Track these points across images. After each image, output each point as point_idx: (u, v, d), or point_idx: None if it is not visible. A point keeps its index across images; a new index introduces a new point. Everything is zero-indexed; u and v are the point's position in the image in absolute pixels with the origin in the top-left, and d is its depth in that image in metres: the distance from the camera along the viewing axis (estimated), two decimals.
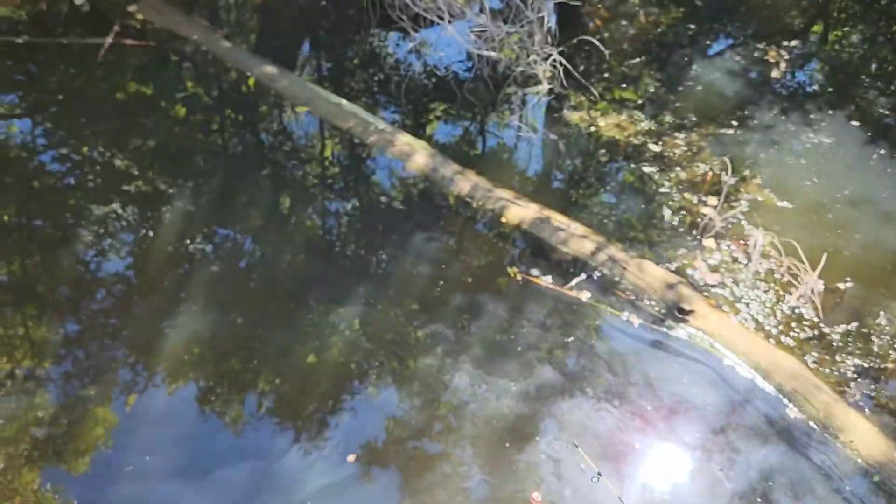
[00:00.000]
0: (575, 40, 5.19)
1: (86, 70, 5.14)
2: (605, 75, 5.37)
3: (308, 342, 3.57)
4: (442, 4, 4.62)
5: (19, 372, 3.44)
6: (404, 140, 4.53)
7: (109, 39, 5.23)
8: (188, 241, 4.06)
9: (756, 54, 5.75)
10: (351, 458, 3.07)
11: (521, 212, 4.12)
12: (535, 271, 3.92)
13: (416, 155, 4.45)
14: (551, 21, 4.85)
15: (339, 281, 3.93)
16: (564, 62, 4.80)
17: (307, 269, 4.02)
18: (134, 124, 4.81)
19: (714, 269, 3.97)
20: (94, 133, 4.71)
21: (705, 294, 3.82)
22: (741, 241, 4.11)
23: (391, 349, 3.58)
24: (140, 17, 5.54)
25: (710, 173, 4.52)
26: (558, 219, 4.11)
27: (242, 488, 2.99)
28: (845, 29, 6.46)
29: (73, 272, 3.91)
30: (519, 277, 3.88)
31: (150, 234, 4.13)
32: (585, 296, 3.80)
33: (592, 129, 4.89)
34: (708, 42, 6.01)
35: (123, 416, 3.24)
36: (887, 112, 5.20)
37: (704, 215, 4.25)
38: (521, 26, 4.67)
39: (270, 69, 5.05)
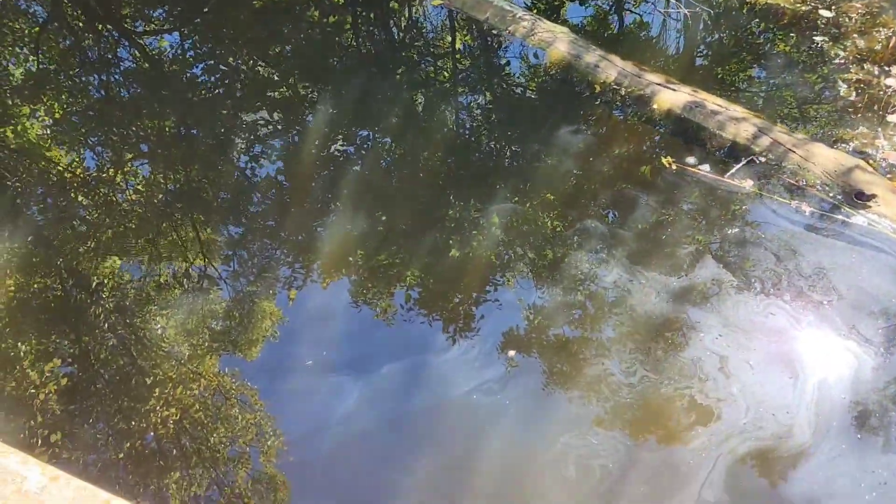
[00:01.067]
0: None
1: None
2: None
3: (453, 239, 3.60)
4: None
5: (193, 271, 3.75)
6: (544, 27, 4.29)
7: None
8: (331, 144, 4.15)
9: None
10: (512, 352, 3.13)
11: (672, 96, 3.85)
12: (690, 160, 3.69)
13: (558, 42, 4.22)
14: None
15: (481, 177, 3.90)
16: None
17: (448, 166, 4.01)
18: (273, 30, 4.88)
19: None
20: (237, 43, 4.83)
21: (888, 176, 3.46)
22: None
23: (541, 245, 3.55)
24: None
25: (894, 39, 3.98)
26: (714, 101, 3.80)
27: (405, 383, 3.09)
28: None
29: (232, 178, 4.13)
30: (674, 167, 3.67)
31: (296, 138, 4.26)
32: (748, 184, 3.55)
33: None
34: None
35: (287, 310, 3.45)
36: None
37: (887, 87, 3.78)
38: None
39: None
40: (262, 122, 4.36)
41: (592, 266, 3.41)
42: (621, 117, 3.97)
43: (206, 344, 3.35)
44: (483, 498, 2.58)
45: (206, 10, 5.15)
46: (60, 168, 4.27)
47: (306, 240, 3.78)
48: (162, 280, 3.71)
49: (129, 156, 4.29)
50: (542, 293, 3.36)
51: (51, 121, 4.53)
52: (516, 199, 3.73)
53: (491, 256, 3.53)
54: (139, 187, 4.14)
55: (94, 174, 4.21)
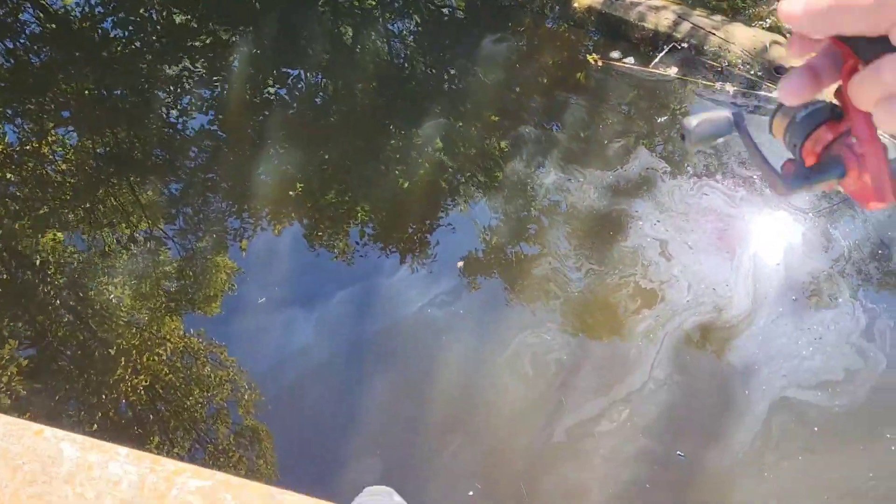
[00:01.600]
0: None
1: None
2: None
3: (395, 167, 3.61)
4: None
5: (139, 235, 3.70)
6: None
7: None
8: (261, 87, 4.06)
9: None
10: (460, 263, 3.20)
11: None
12: (615, 54, 3.72)
13: None
14: None
15: (415, 102, 3.88)
16: None
17: (381, 95, 3.98)
18: None
19: None
20: None
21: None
22: None
23: (478, 161, 3.58)
24: None
25: None
26: None
27: (362, 305, 3.16)
28: None
29: (163, 134, 4.04)
30: (600, 63, 3.70)
31: (225, 85, 4.15)
32: (673, 71, 3.60)
33: None
34: None
35: (241, 261, 3.45)
36: None
37: None
38: None
39: None
40: (185, 72, 4.23)
41: (531, 171, 3.46)
42: (546, 21, 3.95)
43: (165, 306, 3.34)
44: (447, 402, 2.69)
45: None
46: None
47: (250, 187, 3.73)
48: (108, 248, 3.66)
49: (51, 125, 4.15)
50: (484, 204, 3.42)
51: None
52: (451, 117, 3.73)
53: (431, 176, 3.55)
54: (68, 156, 4.03)
55: (18, 148, 4.07)
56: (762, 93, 3.44)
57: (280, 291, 3.26)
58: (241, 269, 3.48)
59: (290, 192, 3.65)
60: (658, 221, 3.11)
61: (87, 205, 3.82)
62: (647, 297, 2.88)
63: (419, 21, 4.30)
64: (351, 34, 4.32)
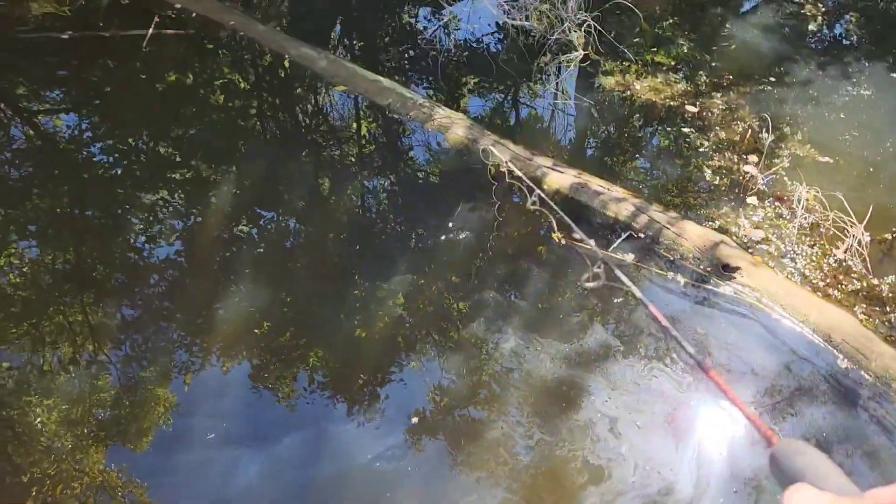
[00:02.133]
0: (607, 5, 5.17)
1: (127, 62, 5.27)
2: (638, 39, 5.34)
3: (356, 317, 3.65)
4: None
5: (81, 357, 3.59)
6: (443, 113, 4.58)
7: (150, 30, 5.34)
8: (234, 224, 4.17)
9: (790, 9, 5.66)
10: (414, 419, 3.16)
11: (559, 178, 4.16)
12: (577, 235, 3.95)
13: (455, 127, 4.50)
14: None
15: (383, 256, 4.01)
16: (598, 27, 4.79)
17: (351, 246, 4.10)
18: (175, 113, 4.93)
19: (757, 226, 3.97)
20: (138, 123, 4.83)
21: (750, 251, 3.83)
22: (784, 197, 4.10)
23: (438, 320, 3.66)
24: (178, 6, 5.64)
25: (750, 131, 4.50)
26: (597, 183, 4.14)
27: (304, 455, 3.08)
28: None
29: (126, 258, 4.05)
30: (563, 242, 3.93)
31: (198, 218, 4.25)
32: (629, 257, 3.83)
33: (628, 93, 4.89)
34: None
35: (182, 395, 3.36)
36: None
37: (746, 174, 4.24)
38: None
39: (308, 50, 5.12)
40: (161, 202, 4.33)
41: (488, 335, 3.53)
42: (515, 197, 4.22)
43: (93, 435, 3.18)
44: None
45: (107, 89, 5.15)
46: None
47: (205, 321, 3.71)
48: (46, 368, 3.53)
49: (15, 237, 4.14)
50: (442, 364, 3.44)
51: None
52: (415, 274, 3.85)
53: (389, 330, 3.60)
54: (24, 270, 3.98)
55: None
56: (709, 286, 3.67)
57: (218, 431, 3.15)
58: (180, 404, 3.37)
59: (245, 331, 3.63)
60: (609, 399, 3.17)
61: (34, 320, 3.72)
62: (595, 473, 2.87)
63: (395, 181, 4.55)
64: (328, 185, 4.53)
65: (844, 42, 5.39)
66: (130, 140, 4.74)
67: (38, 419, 3.26)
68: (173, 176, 4.50)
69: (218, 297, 3.81)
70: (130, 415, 3.29)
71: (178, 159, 4.62)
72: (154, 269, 3.98)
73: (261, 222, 4.24)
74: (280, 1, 6.06)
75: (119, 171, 4.55)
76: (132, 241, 4.13)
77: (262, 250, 4.07)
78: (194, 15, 5.62)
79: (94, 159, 4.64)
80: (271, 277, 3.91)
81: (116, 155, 4.66)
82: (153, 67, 5.22)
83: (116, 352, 3.61)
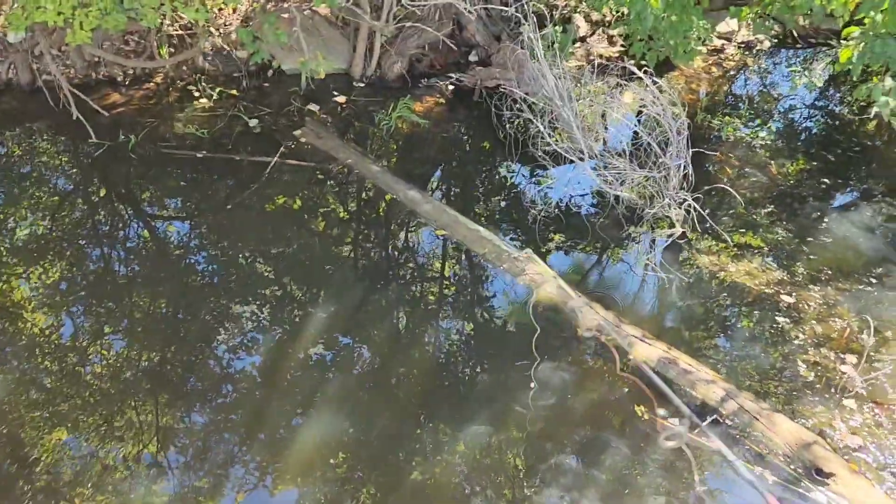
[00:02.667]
0: (707, 188, 5.29)
1: (247, 184, 5.66)
2: (737, 223, 5.39)
3: (414, 459, 3.61)
4: (583, 146, 4.87)
5: (144, 458, 3.63)
6: (536, 269, 4.66)
7: (275, 158, 5.78)
8: (312, 348, 4.25)
9: (892, 211, 5.64)
10: None
11: (647, 350, 4.10)
12: (661, 412, 3.83)
13: (546, 285, 4.56)
14: (688, 167, 4.98)
15: (458, 403, 3.98)
16: (697, 207, 4.88)
17: (427, 387, 4.10)
18: (278, 234, 5.21)
19: (854, 432, 3.75)
20: (242, 240, 5.12)
21: (845, 457, 3.60)
22: (885, 405, 3.89)
23: (510, 478, 3.54)
24: (303, 139, 6.12)
25: (848, 330, 4.36)
26: (686, 360, 4.05)
27: None
28: None
29: (206, 366, 4.16)
30: (647, 417, 3.80)
31: (280, 336, 4.36)
32: (715, 443, 3.66)
33: (722, 273, 4.87)
34: (840, 195, 5.97)
35: None
36: None
37: (843, 374, 4.07)
38: (659, 171, 4.83)
39: (415, 194, 5.40)
40: (249, 315, 4.48)
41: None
42: (601, 363, 4.16)
43: None
44: None
45: (228, 206, 5.52)
46: (35, 330, 4.27)
47: (265, 439, 3.73)
48: (108, 461, 3.57)
49: (108, 329, 4.33)
50: None
51: (40, 284, 4.61)
52: (488, 428, 3.77)
53: (446, 479, 3.50)
54: (109, 361, 4.13)
55: (68, 343, 4.21)
56: (799, 489, 3.44)
57: None
58: None
59: (303, 455, 3.63)
60: None
61: (106, 413, 3.81)
62: None
63: (484, 330, 4.57)
64: (416, 324, 4.59)
65: None
66: (231, 253, 5.00)
67: None
68: (264, 292, 4.68)
69: (284, 418, 3.85)
70: None
71: (271, 277, 4.82)
72: (228, 380, 4.07)
73: (338, 348, 4.31)
74: (393, 144, 6.48)
75: (216, 280, 4.77)
76: (214, 348, 4.25)
77: (334, 376, 4.11)
78: (317, 148, 6.05)
79: (197, 267, 4.91)
80: (338, 406, 3.93)
81: (216, 265, 4.91)
82: (269, 192, 5.59)
83: (178, 457, 3.63)
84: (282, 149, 5.91)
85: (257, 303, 4.56)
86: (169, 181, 5.69)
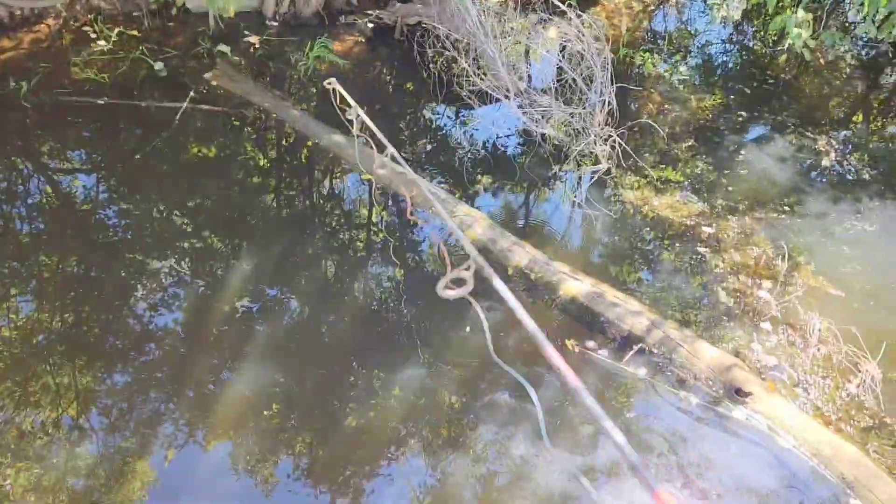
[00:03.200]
0: (630, 123, 5.34)
1: (155, 132, 5.35)
2: (659, 158, 5.49)
3: (350, 406, 3.59)
4: (509, 84, 4.78)
5: (64, 420, 3.47)
6: (464, 211, 4.62)
7: (185, 104, 5.46)
8: (238, 300, 4.12)
9: (805, 142, 5.86)
10: None
11: (577, 286, 4.15)
12: (591, 344, 3.92)
13: (476, 226, 4.53)
14: (612, 103, 4.99)
15: (391, 348, 3.95)
16: (622, 143, 4.92)
17: (354, 334, 4.05)
18: (194, 184, 4.97)
19: (771, 352, 3.94)
20: (155, 192, 4.86)
21: (763, 377, 3.78)
22: (797, 326, 4.09)
23: (442, 418, 3.56)
24: (215, 83, 5.80)
25: (764, 257, 4.54)
26: (613, 294, 4.13)
27: None
28: (885, 120, 6.58)
29: (125, 324, 3.98)
30: (577, 350, 3.88)
31: (202, 290, 4.20)
32: (642, 372, 3.78)
33: (646, 207, 4.97)
34: (756, 128, 6.15)
35: (161, 471, 3.26)
36: None
37: (760, 298, 4.25)
38: (584, 108, 4.81)
39: (339, 137, 5.22)
40: (168, 270, 4.29)
41: (498, 441, 3.43)
42: (531, 300, 4.19)
43: None
44: None
45: (131, 156, 5.20)
46: None
47: (194, 395, 3.62)
48: (25, 427, 3.39)
49: (14, 291, 4.06)
50: (443, 467, 3.32)
51: None
52: (422, 370, 3.76)
53: (392, 429, 3.49)
54: (19, 324, 3.89)
55: None
56: (721, 409, 3.60)
57: None
58: (158, 479, 3.23)
59: (234, 409, 3.55)
60: None
61: (20, 378, 3.60)
62: None
63: (412, 275, 4.51)
64: (341, 270, 4.50)
65: (854, 178, 5.54)
66: (145, 206, 4.74)
67: (8, 482, 3.15)
68: (183, 245, 4.47)
69: (212, 372, 3.73)
70: (105, 486, 3.18)
71: (189, 229, 4.61)
72: (151, 339, 3.90)
73: (265, 300, 4.19)
74: (312, 87, 6.23)
75: (130, 235, 4.53)
76: (133, 307, 4.06)
77: (262, 328, 4.01)
78: (231, 93, 5.76)
79: (108, 222, 4.63)
80: (268, 357, 3.84)
81: (129, 220, 4.65)
82: (181, 140, 5.30)
83: (101, 419, 3.49)
84: (192, 93, 5.59)
85: (176, 257, 4.36)
86: (69, 131, 5.31)
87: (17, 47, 5.89)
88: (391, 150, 3.36)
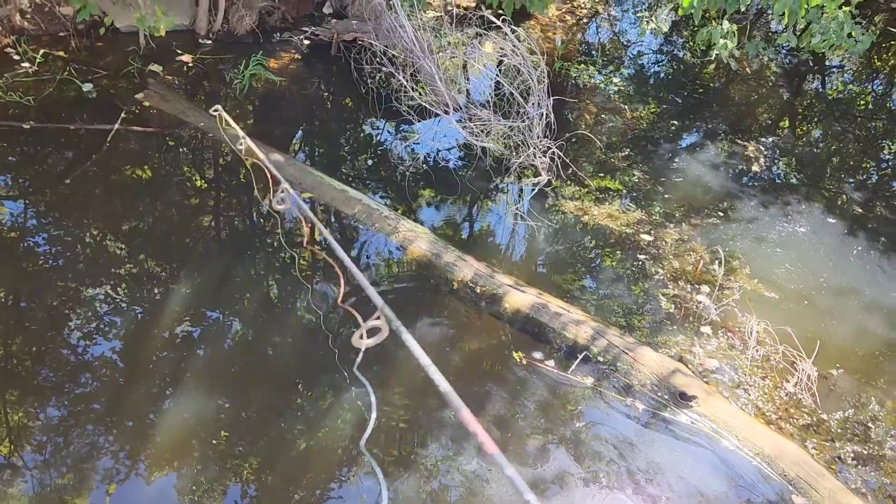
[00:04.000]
0: (568, 135, 5.43)
1: (86, 155, 5.18)
2: (597, 168, 5.60)
3: (301, 428, 3.52)
4: (447, 98, 4.81)
5: None
6: (407, 226, 4.61)
7: (116, 126, 5.30)
8: (177, 325, 4.00)
9: (735, 149, 6.06)
10: None
11: (521, 297, 4.18)
12: (537, 355, 3.95)
13: (419, 241, 4.52)
14: (550, 115, 5.07)
15: (336, 367, 3.89)
16: (561, 155, 5.00)
17: (302, 354, 3.98)
18: (128, 208, 4.82)
19: (711, 355, 4.04)
20: (88, 216, 4.70)
21: (705, 380, 3.87)
22: (736, 329, 4.21)
23: (392, 435, 3.52)
24: (147, 104, 5.65)
25: (702, 262, 4.67)
26: (557, 304, 4.17)
27: None
28: (809, 126, 6.88)
29: (59, 355, 3.81)
30: (524, 362, 3.90)
31: (140, 316, 4.07)
32: (588, 381, 3.83)
33: (586, 217, 5.05)
34: (688, 136, 6.34)
35: None
36: (857, 205, 5.50)
37: (699, 303, 4.36)
38: (522, 121, 4.87)
39: (276, 156, 5.15)
40: (103, 297, 4.14)
41: (449, 456, 3.41)
42: (477, 313, 4.20)
43: None
44: None
45: (66, 180, 5.01)
46: None
47: (137, 428, 3.49)
48: None
49: None
50: (392, 485, 3.28)
51: None
52: (369, 389, 3.72)
53: (343, 449, 3.43)
54: None
55: None
56: (666, 414, 3.67)
57: None
58: None
59: (177, 437, 3.44)
60: None
61: None
62: None
63: (351, 290, 4.47)
64: (282, 289, 4.42)
65: (783, 182, 5.76)
66: (77, 232, 4.57)
67: None
68: (118, 271, 4.33)
69: (152, 401, 3.61)
70: None
71: (124, 254, 4.47)
72: (86, 369, 3.75)
73: (204, 324, 4.08)
74: (249, 105, 6.14)
75: (61, 263, 4.36)
76: (67, 336, 3.90)
77: (202, 353, 3.90)
78: (163, 113, 5.62)
79: (37, 249, 4.45)
80: (210, 382, 3.73)
81: (60, 246, 4.48)
82: (113, 162, 5.14)
83: (35, 455, 3.32)
84: (123, 114, 5.44)
85: (111, 283, 4.21)
86: None
87: None
88: (284, 184, 3.35)
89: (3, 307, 4.04)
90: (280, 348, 3.98)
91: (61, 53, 6.03)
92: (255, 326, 4.11)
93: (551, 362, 3.91)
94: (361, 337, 2.40)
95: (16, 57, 5.87)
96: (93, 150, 5.17)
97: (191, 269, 4.42)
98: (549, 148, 4.97)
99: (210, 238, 4.78)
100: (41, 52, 5.90)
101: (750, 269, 4.70)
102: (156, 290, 4.24)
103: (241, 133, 4.02)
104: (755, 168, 5.87)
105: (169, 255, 4.53)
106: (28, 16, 6.12)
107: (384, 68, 5.58)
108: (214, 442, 3.43)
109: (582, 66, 7.17)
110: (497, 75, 5.67)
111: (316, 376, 3.82)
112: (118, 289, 4.19)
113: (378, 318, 2.44)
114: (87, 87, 5.69)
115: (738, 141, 6.20)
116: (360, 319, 2.57)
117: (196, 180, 5.26)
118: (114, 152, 5.19)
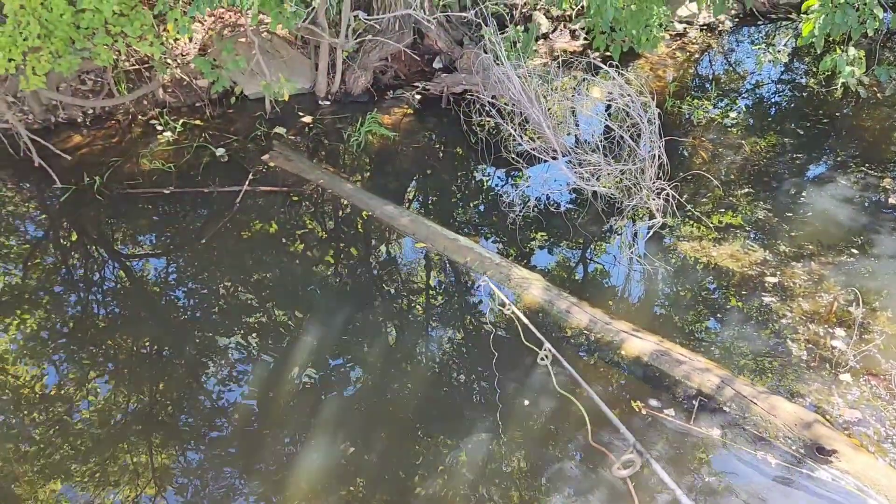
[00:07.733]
0: (683, 174, 5.29)
1: (220, 215, 5.58)
2: (715, 206, 5.40)
3: (422, 474, 3.56)
4: (555, 144, 4.83)
5: (142, 500, 3.54)
6: (520, 274, 4.62)
7: (245, 187, 5.70)
8: (303, 372, 4.18)
9: (869, 180, 5.67)
10: None
11: (639, 344, 4.07)
12: (656, 403, 3.81)
13: (532, 288, 4.52)
14: (662, 156, 4.97)
15: (455, 414, 3.93)
16: (675, 195, 4.88)
17: (422, 400, 4.04)
18: (257, 262, 5.13)
19: (853, 406, 3.75)
20: (222, 270, 5.04)
21: (846, 433, 3.59)
22: (881, 377, 3.88)
23: (515, 487, 3.49)
24: (272, 164, 6.05)
25: (836, 303, 4.36)
26: (678, 351, 4.03)
27: None
28: None
29: (197, 402, 4.08)
30: (644, 412, 3.77)
31: (270, 364, 4.29)
32: (714, 432, 3.64)
33: (705, 258, 4.87)
34: (815, 168, 6.00)
35: None
36: None
37: (834, 348, 4.07)
38: (633, 163, 4.81)
39: (391, 208, 5.35)
40: (235, 346, 4.41)
41: None
42: (594, 361, 4.13)
43: None
44: None
45: (202, 241, 5.43)
46: (19, 383, 4.17)
47: (268, 472, 3.66)
48: None
49: (93, 374, 4.23)
50: None
51: (20, 335, 4.50)
52: (488, 436, 3.72)
53: (463, 496, 3.44)
54: (97, 406, 4.04)
55: (52, 392, 4.11)
56: (803, 470, 3.42)
57: None
58: None
59: (304, 483, 3.56)
60: None
61: (99, 459, 3.72)
62: None
63: (474, 339, 4.50)
64: (394, 338, 4.53)
65: None
66: (213, 285, 4.91)
67: None
68: (249, 321, 4.60)
69: (283, 446, 3.77)
70: None
71: (254, 304, 4.75)
72: (222, 414, 3.99)
73: (330, 370, 4.24)
74: (365, 160, 6.42)
75: (199, 315, 4.69)
76: (204, 383, 4.17)
77: (329, 399, 4.05)
78: (287, 172, 5.98)
79: (178, 303, 4.81)
80: (338, 430, 3.86)
81: (197, 299, 4.83)
82: (243, 220, 5.51)
83: (178, 497, 3.56)
84: (251, 175, 5.84)
85: (242, 332, 4.49)
86: (140, 219, 5.59)
87: (91, 144, 6.30)
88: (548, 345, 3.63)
89: (148, 356, 4.39)
90: None
91: (197, 122, 6.58)
92: (381, 372, 4.23)
93: (671, 411, 3.76)
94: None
95: (159, 127, 6.47)
96: (225, 210, 5.57)
97: (316, 316, 4.62)
98: (662, 189, 4.85)
99: (333, 286, 4.99)
100: (181, 121, 6.48)
101: (893, 311, 4.33)
102: (284, 338, 4.46)
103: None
104: (892, 201, 5.45)
105: (295, 303, 4.76)
106: (169, 90, 6.76)
107: (493, 118, 5.69)
108: (338, 487, 3.52)
109: (696, 101, 6.98)
110: (606, 119, 5.63)
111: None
112: (249, 337, 4.44)
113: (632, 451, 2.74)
114: (219, 151, 6.17)
115: (871, 171, 5.79)
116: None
117: (318, 232, 5.53)
118: (243, 211, 5.56)
